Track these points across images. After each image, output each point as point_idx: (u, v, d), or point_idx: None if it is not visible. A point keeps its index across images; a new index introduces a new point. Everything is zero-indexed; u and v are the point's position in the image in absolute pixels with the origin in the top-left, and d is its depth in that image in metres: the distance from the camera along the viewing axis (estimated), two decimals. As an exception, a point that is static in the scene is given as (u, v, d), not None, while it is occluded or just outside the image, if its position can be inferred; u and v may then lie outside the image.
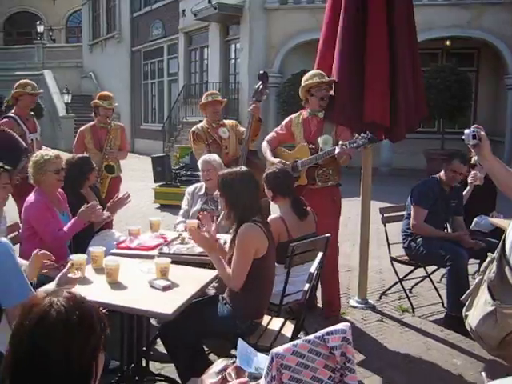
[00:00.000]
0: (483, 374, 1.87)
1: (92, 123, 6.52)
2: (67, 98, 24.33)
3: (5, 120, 5.72)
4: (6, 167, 3.83)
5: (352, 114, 4.78)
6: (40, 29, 34.10)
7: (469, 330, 2.72)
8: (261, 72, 5.93)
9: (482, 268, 2.76)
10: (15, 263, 2.65)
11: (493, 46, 15.80)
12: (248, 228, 3.28)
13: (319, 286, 4.94)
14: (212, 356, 3.70)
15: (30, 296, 1.47)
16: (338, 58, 4.90)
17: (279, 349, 2.19)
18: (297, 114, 5.20)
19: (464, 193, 5.53)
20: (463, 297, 2.83)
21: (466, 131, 2.78)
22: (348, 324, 2.32)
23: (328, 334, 2.30)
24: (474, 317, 2.64)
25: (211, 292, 3.96)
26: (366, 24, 4.71)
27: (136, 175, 14.72)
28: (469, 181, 5.61)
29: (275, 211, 4.39)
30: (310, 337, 2.27)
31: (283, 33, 16.07)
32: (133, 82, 25.43)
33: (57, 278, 2.95)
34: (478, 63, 17.33)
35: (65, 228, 4.26)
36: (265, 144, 5.25)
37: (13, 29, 39.31)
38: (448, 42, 16.48)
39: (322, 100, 4.91)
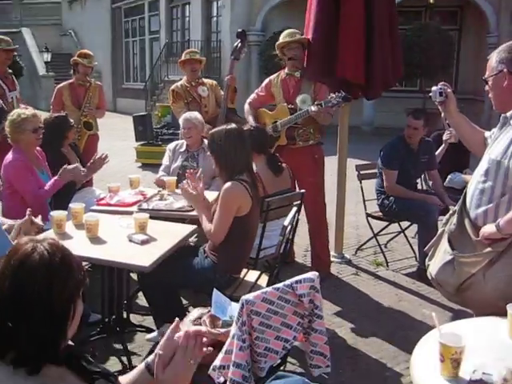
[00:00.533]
0: (433, 314, 1.99)
1: (70, 81, 6.51)
2: (47, 57, 23.91)
3: None
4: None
5: (324, 70, 4.80)
6: (16, -16, 33.29)
7: (429, 278, 2.86)
8: (239, 30, 5.94)
9: (444, 220, 2.89)
10: None
11: (475, 4, 15.77)
12: (231, 186, 3.37)
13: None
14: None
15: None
16: (313, 15, 4.90)
17: (249, 296, 2.31)
18: (275, 74, 5.24)
19: (438, 151, 5.65)
20: (426, 247, 2.96)
21: (433, 88, 2.86)
22: (316, 273, 2.45)
23: (297, 282, 2.43)
24: (434, 265, 2.78)
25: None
26: None
27: (117, 134, 14.68)
28: (444, 138, 5.72)
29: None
30: (279, 285, 2.39)
31: (265, -10, 15.90)
32: (114, 40, 25.03)
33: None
34: (460, 22, 17.31)
35: (45, 187, 4.31)
36: (247, 107, 5.32)
37: (-12, -16, 38.33)
38: (431, 0, 16.41)
39: (292, 60, 4.94)
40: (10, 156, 4.33)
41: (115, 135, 14.21)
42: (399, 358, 3.66)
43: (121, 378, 1.66)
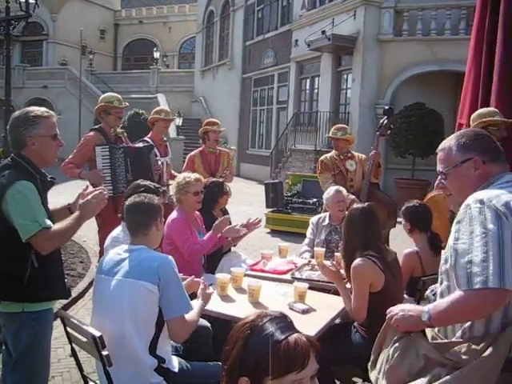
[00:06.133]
0: None
1: (200, 149, 6.85)
2: (179, 121, 25.32)
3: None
4: (163, 188, 4.18)
5: None
6: (156, 55, 36.17)
7: None
8: (386, 107, 6.12)
9: None
10: (177, 278, 2.91)
11: None
12: (359, 263, 3.44)
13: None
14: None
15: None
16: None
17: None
18: None
19: None
20: None
21: None
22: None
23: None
24: None
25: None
26: None
27: (243, 199, 15.13)
28: None
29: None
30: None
31: (396, 65, 16.05)
32: (242, 107, 26.17)
33: (198, 294, 3.27)
34: None
35: (201, 241, 4.56)
36: None
37: (131, 55, 41.91)
38: None
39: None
40: (174, 214, 4.66)
41: (241, 200, 14.64)
42: None
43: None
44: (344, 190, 5.21)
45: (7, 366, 3.10)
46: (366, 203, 3.78)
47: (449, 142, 2.33)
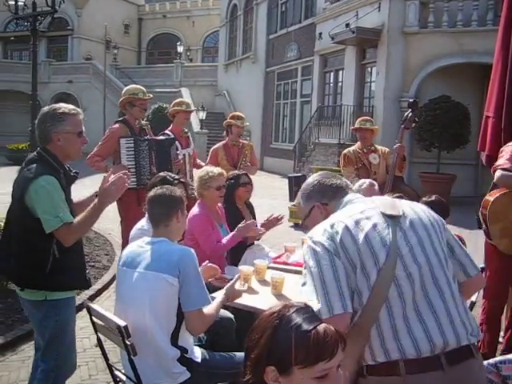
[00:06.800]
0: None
1: (224, 142, 6.87)
2: (202, 115, 25.38)
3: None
4: (181, 180, 4.21)
5: None
6: (180, 49, 36.30)
7: None
8: (410, 100, 6.04)
9: None
10: (197, 272, 2.92)
11: None
12: None
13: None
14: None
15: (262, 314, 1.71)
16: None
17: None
18: None
19: None
20: None
21: None
22: (521, 355, 2.38)
23: (501, 362, 2.38)
24: None
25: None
26: None
27: (267, 193, 15.12)
28: None
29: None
30: (483, 362, 2.35)
31: (422, 57, 15.86)
32: (265, 101, 26.13)
33: (225, 288, 3.25)
34: None
35: (223, 240, 4.56)
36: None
37: (155, 49, 42.13)
38: None
39: None
40: (195, 209, 4.66)
41: (264, 193, 14.65)
42: None
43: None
44: (376, 184, 5.16)
45: (38, 354, 3.18)
46: (395, 195, 3.76)
47: (298, 196, 2.59)
